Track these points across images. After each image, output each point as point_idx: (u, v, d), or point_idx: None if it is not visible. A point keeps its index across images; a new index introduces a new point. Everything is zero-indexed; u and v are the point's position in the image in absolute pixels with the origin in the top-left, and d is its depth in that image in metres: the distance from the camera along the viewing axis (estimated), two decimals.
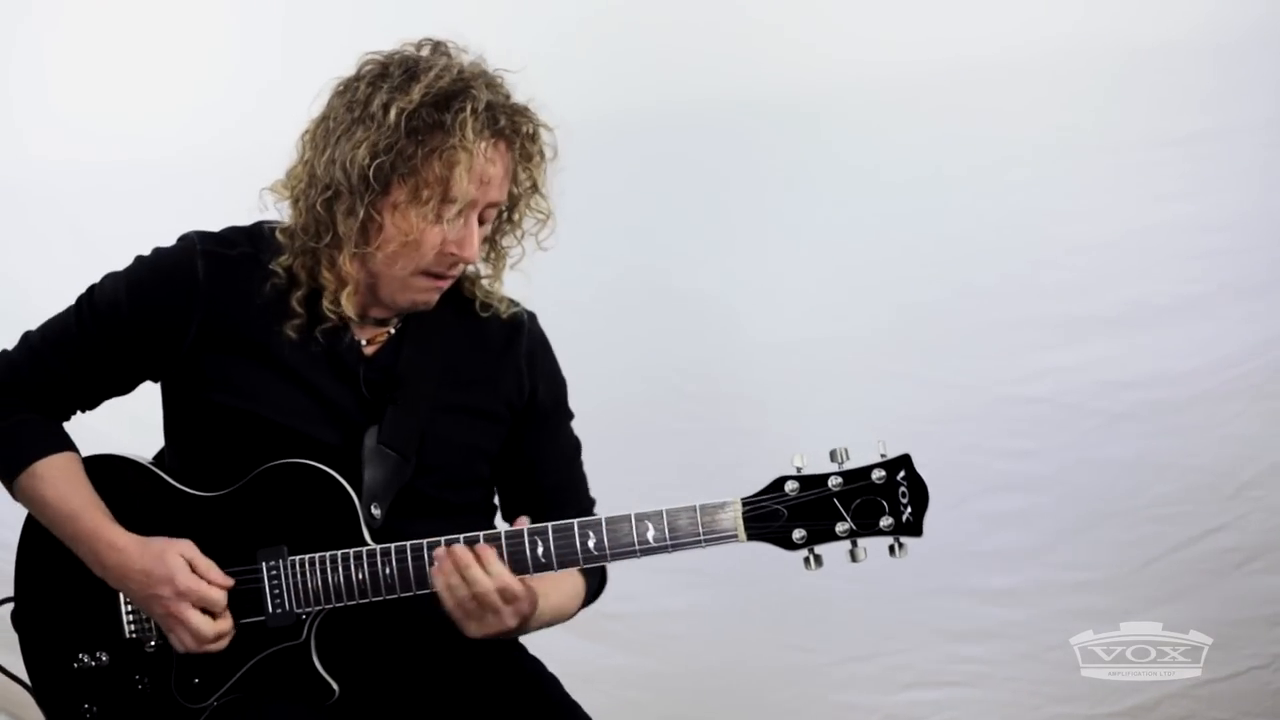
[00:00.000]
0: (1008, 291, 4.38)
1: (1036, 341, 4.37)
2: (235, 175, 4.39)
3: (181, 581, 2.77)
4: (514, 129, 2.75)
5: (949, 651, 4.44)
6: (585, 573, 3.00)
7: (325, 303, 2.81)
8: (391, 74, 2.75)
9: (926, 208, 4.42)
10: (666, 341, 4.47)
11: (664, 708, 4.43)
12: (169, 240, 2.96)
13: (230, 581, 2.80)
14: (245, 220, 2.96)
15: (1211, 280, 4.27)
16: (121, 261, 2.98)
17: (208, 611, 2.78)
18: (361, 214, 2.73)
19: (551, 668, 3.09)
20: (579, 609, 3.01)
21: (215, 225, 2.97)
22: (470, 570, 2.68)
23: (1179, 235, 4.28)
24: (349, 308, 2.80)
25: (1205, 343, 4.28)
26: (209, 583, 2.78)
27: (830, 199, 4.48)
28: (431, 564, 2.73)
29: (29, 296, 4.24)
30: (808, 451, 2.68)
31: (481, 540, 2.72)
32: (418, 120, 2.69)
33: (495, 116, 2.72)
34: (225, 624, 2.80)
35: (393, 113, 2.69)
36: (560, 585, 2.89)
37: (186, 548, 2.80)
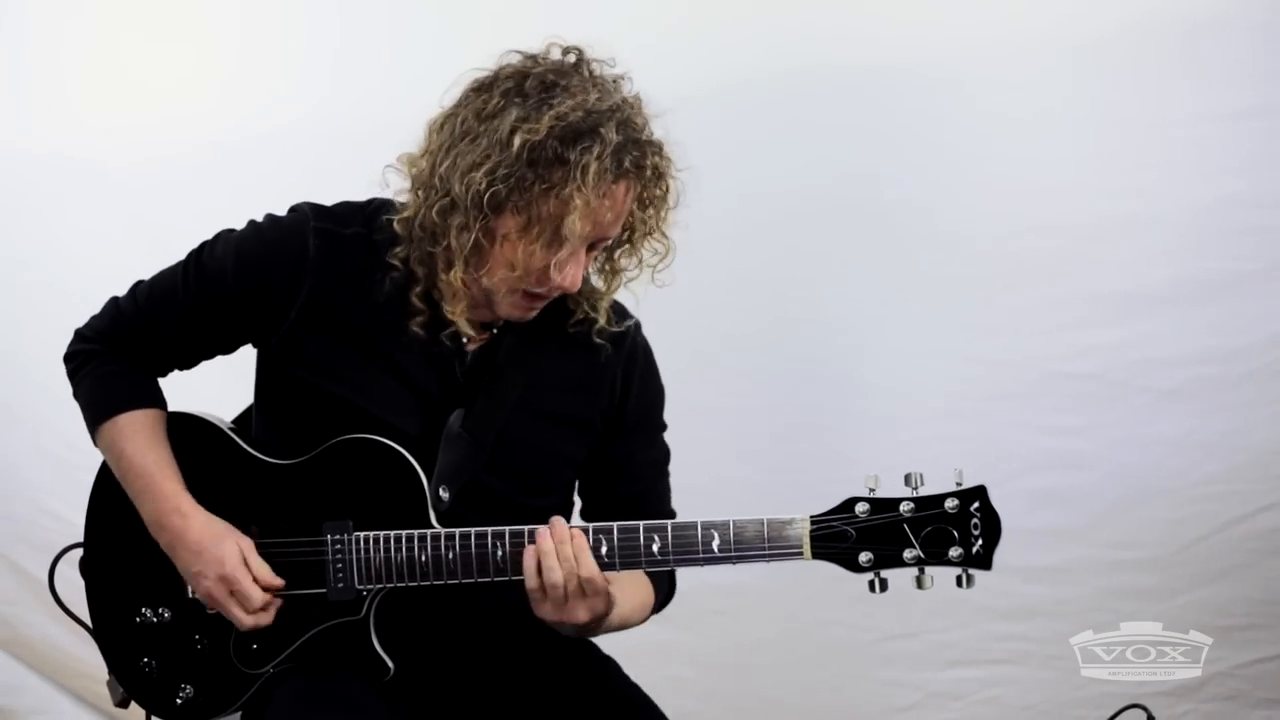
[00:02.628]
0: (1055, 268, 4.34)
1: (1084, 318, 4.34)
2: (272, 159, 4.51)
3: (229, 568, 2.78)
4: (638, 167, 2.67)
5: (993, 629, 4.43)
6: (655, 582, 2.98)
7: (445, 306, 2.77)
8: (527, 92, 2.66)
9: (972, 183, 4.38)
10: (710, 314, 4.45)
11: (707, 684, 4.43)
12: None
13: (279, 582, 2.81)
14: (283, 205, 2.93)
15: (1262, 257, 4.23)
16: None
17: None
18: (474, 235, 2.67)
19: (595, 643, 3.07)
20: (644, 620, 2.99)
21: (273, 205, 2.94)
22: (564, 548, 2.67)
23: (1229, 212, 4.24)
24: (460, 320, 2.76)
25: (1255, 320, 4.24)
26: (254, 580, 2.79)
27: (872, 176, 4.44)
28: (497, 551, 2.73)
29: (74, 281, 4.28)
30: (881, 473, 2.65)
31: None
32: (541, 153, 2.61)
33: (620, 159, 2.63)
34: (266, 618, 2.80)
35: (517, 140, 2.61)
36: (633, 597, 2.88)
37: (247, 544, 2.81)
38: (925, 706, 4.49)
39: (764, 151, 4.44)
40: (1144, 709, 3.91)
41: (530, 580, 2.69)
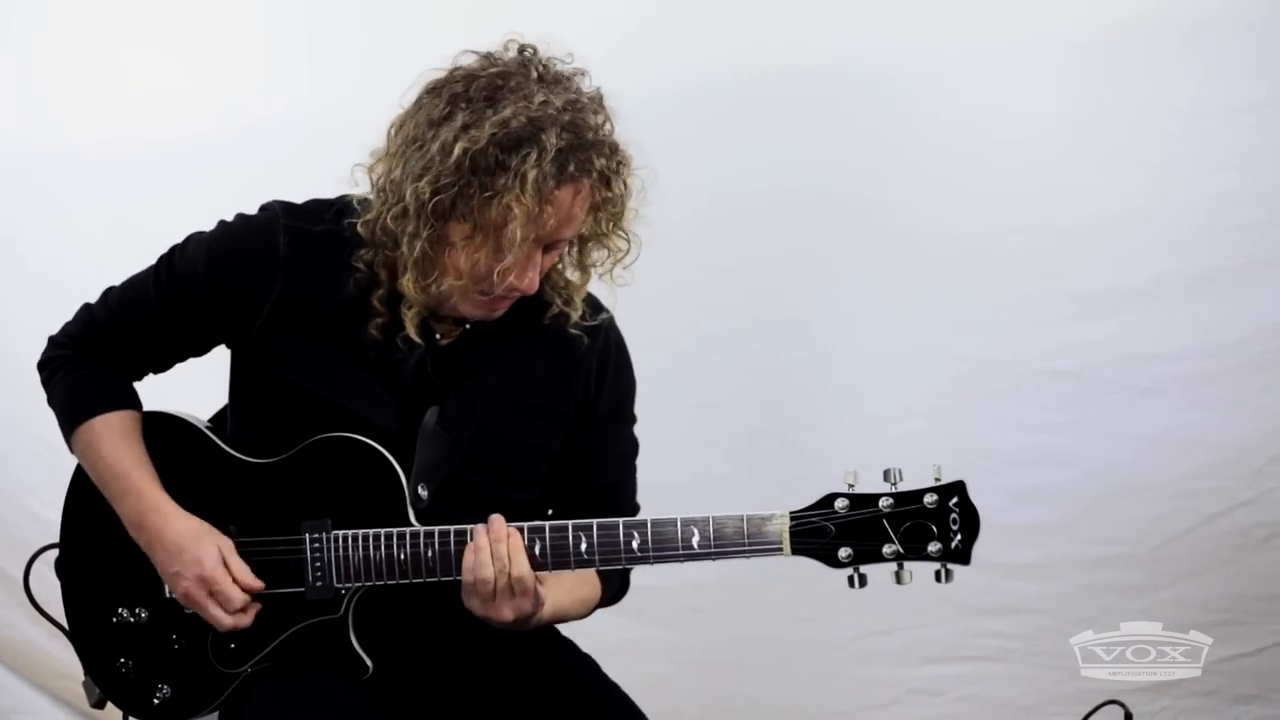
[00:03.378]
0: (1036, 265, 4.34)
1: (1064, 315, 4.34)
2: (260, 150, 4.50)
3: (208, 568, 2.77)
4: (584, 170, 2.64)
5: (972, 626, 4.43)
6: (604, 579, 2.98)
7: (403, 309, 2.76)
8: (473, 97, 2.65)
9: (953, 181, 4.38)
10: (691, 312, 4.45)
11: (686, 681, 4.43)
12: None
13: (259, 585, 2.80)
14: (265, 197, 2.92)
15: (1242, 254, 4.23)
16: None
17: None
18: (421, 243, 2.67)
19: (573, 639, 3.08)
20: (587, 614, 2.99)
21: (247, 201, 2.93)
22: (499, 546, 2.68)
23: (1212, 208, 4.24)
24: (411, 327, 2.75)
25: (1234, 317, 4.24)
26: (234, 580, 2.78)
27: (853, 174, 4.43)
28: None
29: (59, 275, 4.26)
30: (861, 470, 2.65)
31: (526, 529, 2.71)
32: (482, 161, 2.60)
33: (564, 164, 2.61)
34: (245, 619, 2.79)
35: (457, 150, 2.61)
36: (572, 590, 2.88)
37: (227, 544, 2.80)
38: (903, 703, 4.49)
39: (744, 150, 4.43)
40: (1121, 705, 3.90)
41: (464, 574, 2.70)
